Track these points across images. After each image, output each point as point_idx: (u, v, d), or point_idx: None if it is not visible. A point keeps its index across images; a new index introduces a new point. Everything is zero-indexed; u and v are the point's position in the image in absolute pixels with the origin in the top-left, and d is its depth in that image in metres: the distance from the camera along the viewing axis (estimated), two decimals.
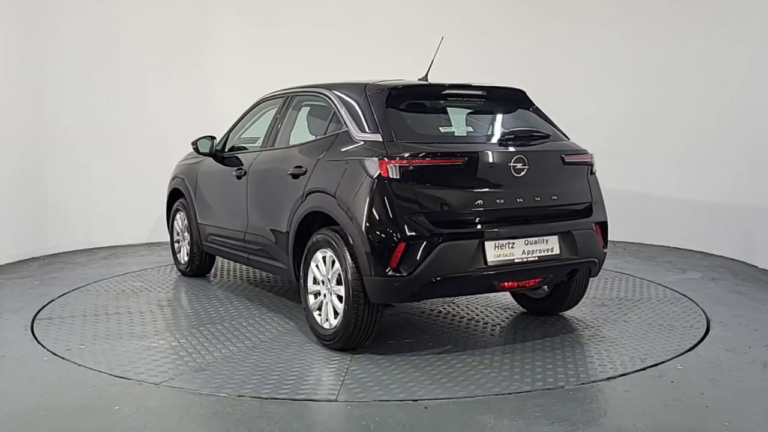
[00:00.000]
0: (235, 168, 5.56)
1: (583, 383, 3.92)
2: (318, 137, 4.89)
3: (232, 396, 3.74)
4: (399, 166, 4.09)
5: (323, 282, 4.51)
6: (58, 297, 5.87)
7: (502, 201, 4.31)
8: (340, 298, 4.35)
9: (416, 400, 3.69)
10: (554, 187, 4.54)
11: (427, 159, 4.14)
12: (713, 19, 7.69)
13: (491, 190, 4.30)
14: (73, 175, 8.01)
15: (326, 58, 8.75)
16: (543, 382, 3.94)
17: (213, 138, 5.98)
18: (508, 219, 4.35)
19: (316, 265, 4.55)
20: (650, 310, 5.43)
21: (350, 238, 4.20)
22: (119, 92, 8.28)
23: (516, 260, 4.29)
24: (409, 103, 4.62)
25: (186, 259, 6.55)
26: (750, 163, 7.24)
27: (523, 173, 4.36)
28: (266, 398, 3.71)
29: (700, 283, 6.33)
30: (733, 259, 7.37)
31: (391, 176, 4.09)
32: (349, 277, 4.20)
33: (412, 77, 5.37)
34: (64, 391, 3.90)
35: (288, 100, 5.44)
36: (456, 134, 4.77)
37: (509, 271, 4.29)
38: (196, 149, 5.97)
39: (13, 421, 3.48)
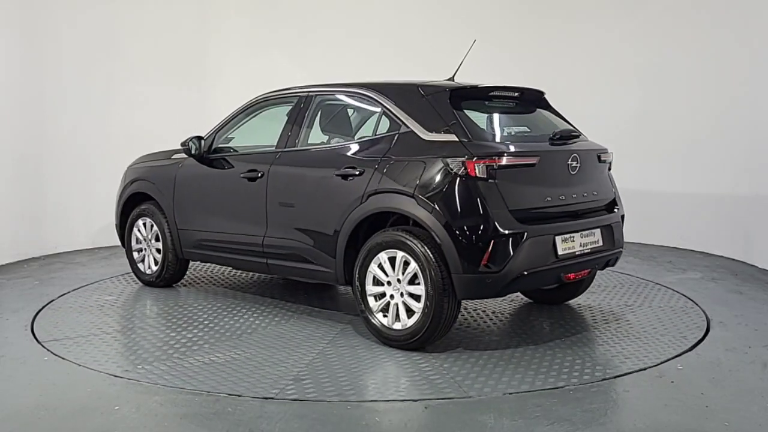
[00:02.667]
0: (246, 170, 5.30)
1: (583, 383, 3.92)
2: (369, 137, 4.81)
3: (232, 396, 3.74)
4: (486, 165, 4.21)
5: (389, 283, 4.50)
6: (58, 297, 5.86)
7: (563, 197, 4.63)
8: (414, 297, 4.37)
9: (416, 400, 3.70)
10: (594, 184, 4.90)
11: (510, 158, 4.32)
12: (713, 18, 7.69)
13: (556, 187, 4.59)
14: (73, 175, 8.01)
15: (326, 58, 8.76)
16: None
17: (201, 138, 5.67)
18: (569, 214, 4.68)
19: (378, 266, 4.53)
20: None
21: (436, 237, 4.25)
22: (119, 92, 8.27)
23: (576, 252, 4.60)
24: (466, 103, 4.68)
25: (155, 268, 6.10)
26: (750, 163, 7.24)
27: (576, 171, 4.68)
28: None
29: (700, 283, 6.33)
30: (733, 259, 7.37)
31: (478, 175, 4.21)
32: (433, 276, 4.24)
33: (412, 77, 5.38)
34: (64, 391, 3.89)
35: (306, 101, 5.26)
36: (517, 134, 4.87)
37: (573, 263, 4.58)
38: (188, 151, 5.65)
39: (13, 421, 3.48)
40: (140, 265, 6.27)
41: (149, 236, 6.16)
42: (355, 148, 4.84)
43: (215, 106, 8.42)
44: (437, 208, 4.25)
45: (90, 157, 8.11)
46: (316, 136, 5.32)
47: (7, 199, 7.29)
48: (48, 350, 4.51)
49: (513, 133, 4.85)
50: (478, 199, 4.20)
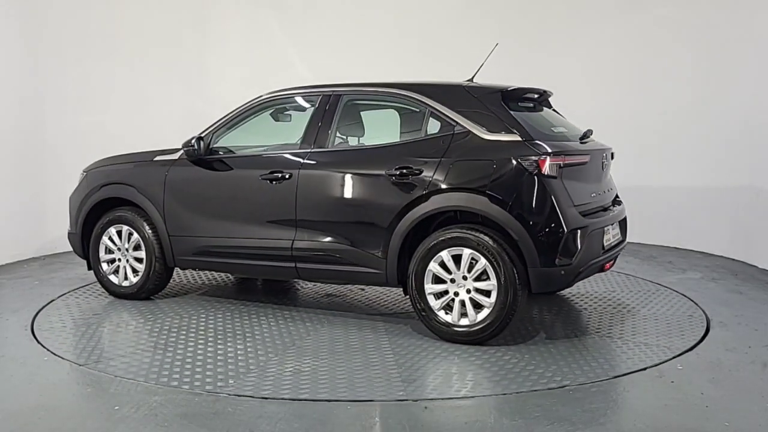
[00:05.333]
0: (269, 171, 5.07)
1: (583, 383, 3.92)
2: (420, 138, 4.81)
3: (233, 395, 3.74)
4: (556, 164, 4.44)
5: (452, 280, 4.55)
6: (58, 297, 5.86)
7: (600, 193, 4.99)
8: (482, 292, 4.48)
9: (416, 400, 3.70)
10: (609, 180, 5.30)
11: (574, 157, 4.62)
12: (713, 19, 7.69)
13: (594, 183, 4.93)
14: (73, 175, 7.98)
15: (328, 59, 8.76)
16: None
17: (201, 138, 5.35)
18: (603, 208, 4.99)
19: (440, 264, 4.57)
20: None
21: (512, 233, 4.39)
22: (119, 92, 8.28)
23: (612, 244, 4.94)
24: (512, 104, 4.78)
25: (135, 279, 5.62)
26: (751, 163, 7.24)
27: (605, 168, 5.09)
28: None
29: (700, 283, 6.33)
30: (733, 259, 7.37)
31: (549, 173, 4.41)
32: (506, 271, 4.38)
33: (412, 76, 5.38)
34: (64, 391, 3.90)
35: (332, 100, 5.11)
36: (560, 133, 4.94)
37: (610, 255, 4.91)
38: (192, 152, 5.32)
39: (13, 421, 3.48)
40: (112, 277, 5.75)
41: (127, 245, 5.66)
42: (405, 148, 4.81)
43: (216, 106, 8.42)
44: (513, 205, 4.40)
45: (90, 157, 8.08)
46: (348, 136, 5.29)
47: (7, 199, 7.29)
48: (48, 350, 4.51)
49: (559, 133, 4.91)
50: (552, 196, 4.40)
